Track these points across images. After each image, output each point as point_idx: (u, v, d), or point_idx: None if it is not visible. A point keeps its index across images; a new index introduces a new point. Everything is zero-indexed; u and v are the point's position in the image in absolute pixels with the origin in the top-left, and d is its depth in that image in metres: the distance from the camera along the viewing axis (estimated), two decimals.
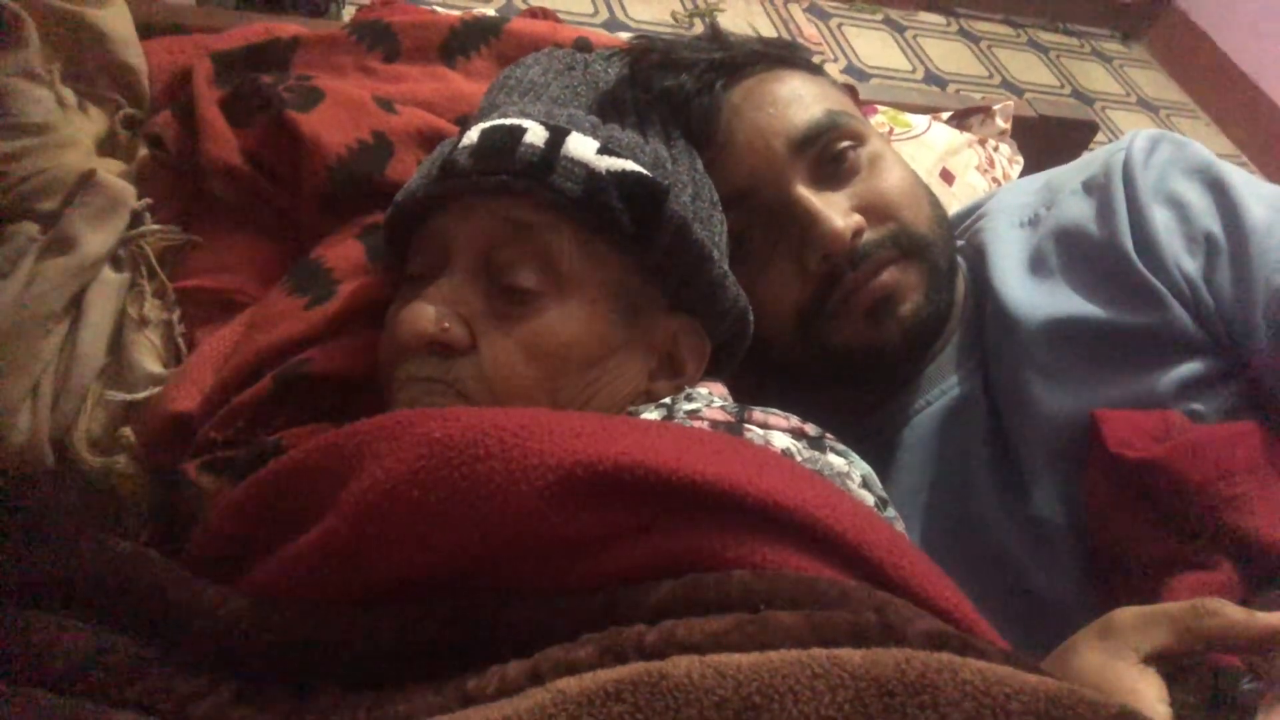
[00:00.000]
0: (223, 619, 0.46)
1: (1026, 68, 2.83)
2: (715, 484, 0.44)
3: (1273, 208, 0.70)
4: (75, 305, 0.69)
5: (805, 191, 0.71)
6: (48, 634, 0.45)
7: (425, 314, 0.59)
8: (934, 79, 2.61)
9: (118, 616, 0.48)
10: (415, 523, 0.44)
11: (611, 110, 0.70)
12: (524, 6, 1.08)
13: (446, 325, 0.60)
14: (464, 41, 0.90)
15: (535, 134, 0.62)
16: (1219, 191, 0.71)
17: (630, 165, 0.62)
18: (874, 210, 0.73)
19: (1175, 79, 3.04)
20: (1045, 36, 3.03)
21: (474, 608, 0.44)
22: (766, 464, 0.48)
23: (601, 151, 0.62)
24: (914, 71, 2.62)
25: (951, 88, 2.59)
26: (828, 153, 0.73)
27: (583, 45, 0.88)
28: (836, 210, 0.71)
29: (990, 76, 2.72)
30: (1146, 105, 2.87)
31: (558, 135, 0.62)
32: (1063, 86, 2.80)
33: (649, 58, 0.75)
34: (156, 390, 0.68)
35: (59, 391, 0.66)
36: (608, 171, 0.61)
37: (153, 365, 0.69)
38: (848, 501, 0.48)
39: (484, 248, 0.62)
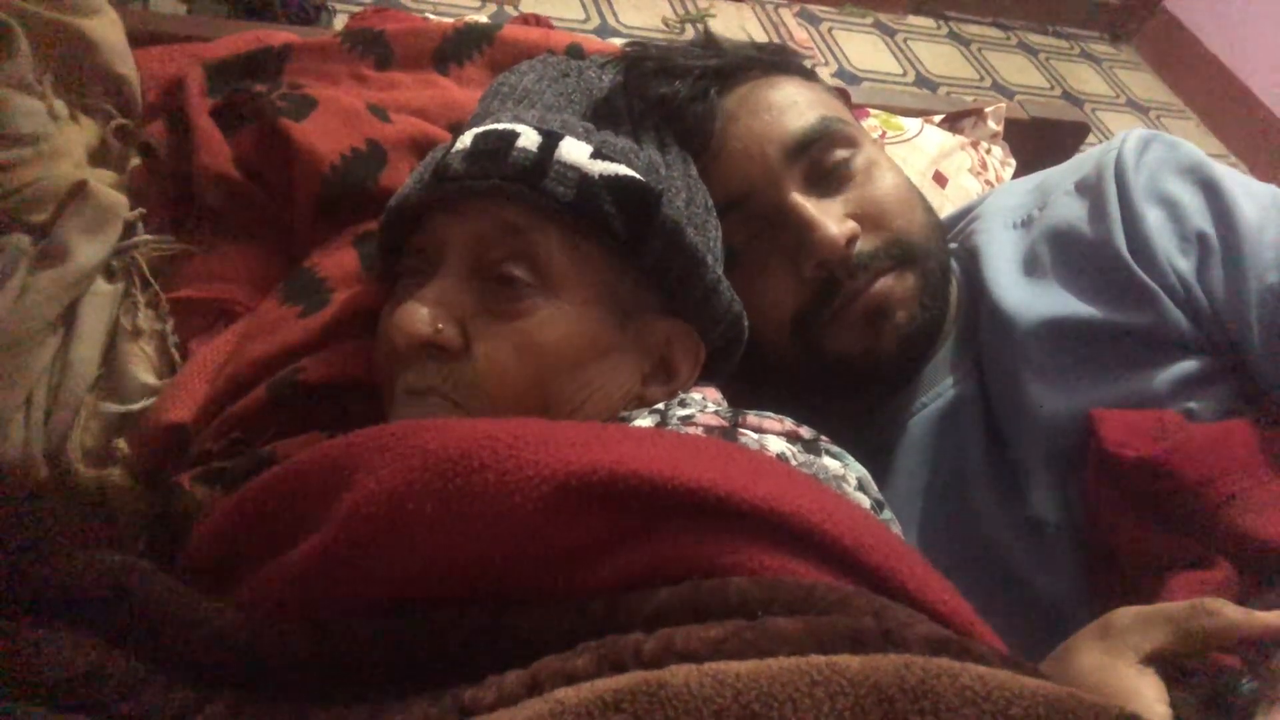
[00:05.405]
0: (218, 632, 0.46)
1: (1017, 70, 2.84)
2: (711, 491, 0.44)
3: (1264, 207, 0.70)
4: (68, 317, 0.69)
5: (800, 198, 0.71)
6: (41, 647, 0.45)
7: (419, 315, 0.59)
8: (925, 82, 2.62)
9: (112, 630, 0.47)
10: (410, 535, 0.44)
11: (606, 117, 0.70)
12: (515, 14, 1.08)
13: (440, 326, 0.60)
14: (457, 49, 0.90)
15: (528, 138, 0.62)
16: (1211, 191, 0.72)
17: (623, 170, 0.62)
18: (868, 217, 0.73)
19: (1164, 80, 3.05)
20: (1035, 39, 3.04)
21: (470, 618, 0.44)
22: (762, 469, 0.48)
23: (595, 156, 0.62)
24: (905, 75, 2.63)
25: (942, 90, 2.60)
26: (822, 159, 0.73)
27: (575, 52, 0.88)
28: (831, 217, 0.71)
29: (981, 79, 2.73)
30: (1136, 106, 2.88)
31: (551, 140, 0.62)
32: (1053, 88, 2.81)
33: (643, 64, 0.75)
34: (150, 401, 0.67)
35: (52, 403, 0.65)
36: (600, 176, 0.61)
37: (146, 376, 0.69)
38: (844, 506, 0.48)
39: (476, 249, 0.62)
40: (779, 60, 0.79)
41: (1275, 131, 2.72)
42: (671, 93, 0.73)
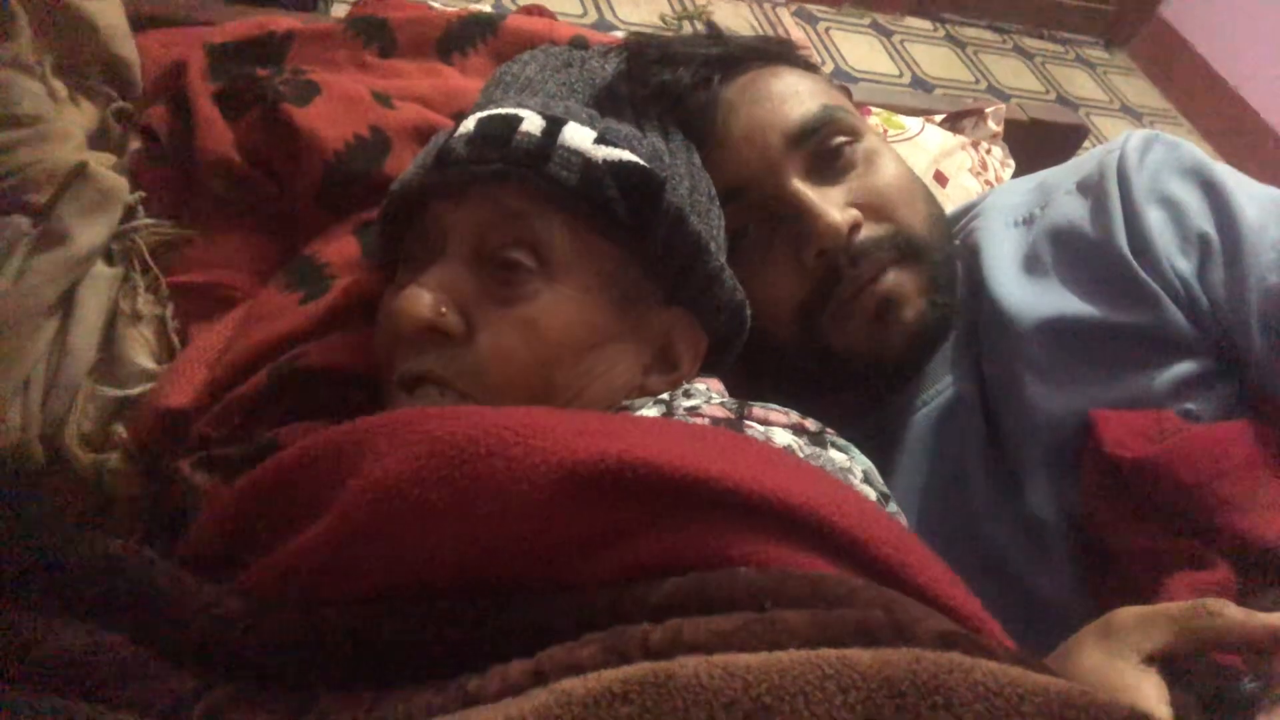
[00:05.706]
0: (219, 618, 0.46)
1: (1012, 73, 2.85)
2: (719, 481, 0.44)
3: (1265, 208, 0.70)
4: (67, 300, 0.68)
5: (801, 185, 0.71)
6: (41, 633, 0.44)
7: (421, 299, 0.59)
8: (921, 84, 2.63)
9: (112, 615, 0.47)
10: (416, 522, 0.44)
11: (609, 105, 0.70)
12: (514, 7, 1.07)
13: (443, 311, 0.59)
14: (461, 38, 0.90)
15: (532, 123, 0.61)
16: (1212, 192, 0.72)
17: (627, 155, 0.62)
18: (870, 206, 0.72)
19: (1158, 86, 3.07)
20: (1030, 43, 3.05)
21: (475, 607, 0.44)
22: (770, 461, 0.48)
23: (599, 141, 0.62)
24: (901, 76, 2.63)
25: (938, 93, 2.60)
26: (823, 147, 0.73)
27: (579, 43, 0.88)
28: (833, 204, 0.71)
29: (976, 82, 2.74)
30: (1129, 112, 2.89)
31: (554, 125, 0.62)
32: (1048, 92, 2.82)
33: (646, 53, 0.75)
34: (149, 386, 0.67)
35: (50, 387, 0.65)
36: (604, 161, 0.61)
37: (145, 361, 0.68)
38: (853, 498, 0.47)
39: (478, 234, 0.61)
40: (782, 51, 0.79)
41: (1267, 139, 2.74)
42: (674, 80, 0.72)
